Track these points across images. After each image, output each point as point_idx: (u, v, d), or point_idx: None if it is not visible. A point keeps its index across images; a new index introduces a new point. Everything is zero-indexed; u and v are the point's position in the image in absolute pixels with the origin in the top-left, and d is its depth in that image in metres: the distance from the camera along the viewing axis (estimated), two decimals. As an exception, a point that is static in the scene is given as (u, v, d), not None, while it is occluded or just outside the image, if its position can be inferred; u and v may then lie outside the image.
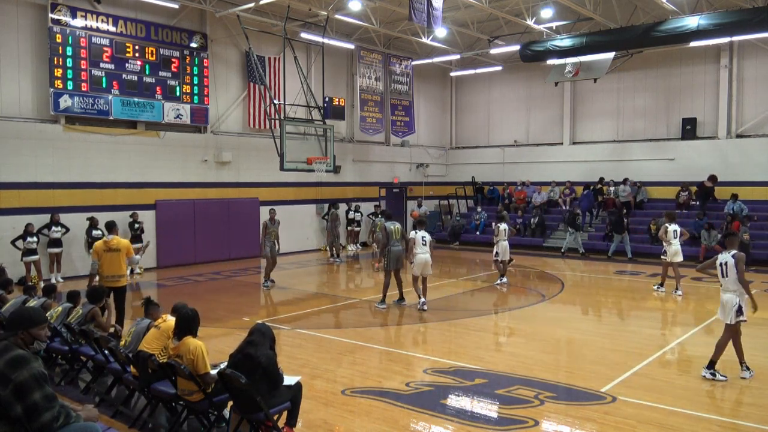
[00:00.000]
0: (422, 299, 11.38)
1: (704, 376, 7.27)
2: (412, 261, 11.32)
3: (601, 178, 21.57)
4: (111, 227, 9.24)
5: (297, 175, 18.65)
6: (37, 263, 14.24)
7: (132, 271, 16.09)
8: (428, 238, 11.45)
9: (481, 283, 14.77)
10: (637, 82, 21.90)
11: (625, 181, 20.83)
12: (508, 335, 10.01)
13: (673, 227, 13.11)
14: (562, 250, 19.63)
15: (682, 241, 13.32)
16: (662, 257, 13.34)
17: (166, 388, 5.75)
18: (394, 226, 11.67)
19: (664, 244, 13.23)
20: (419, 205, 22.25)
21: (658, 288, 13.42)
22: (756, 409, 6.41)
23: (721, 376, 7.22)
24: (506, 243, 14.15)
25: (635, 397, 6.70)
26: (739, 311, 7.17)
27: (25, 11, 14.73)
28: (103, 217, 15.12)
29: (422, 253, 11.23)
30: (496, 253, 14.14)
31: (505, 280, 14.41)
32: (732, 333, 7.31)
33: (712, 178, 19.51)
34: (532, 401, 6.61)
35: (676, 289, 13.08)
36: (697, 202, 19.76)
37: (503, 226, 14.20)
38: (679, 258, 13.10)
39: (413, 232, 11.56)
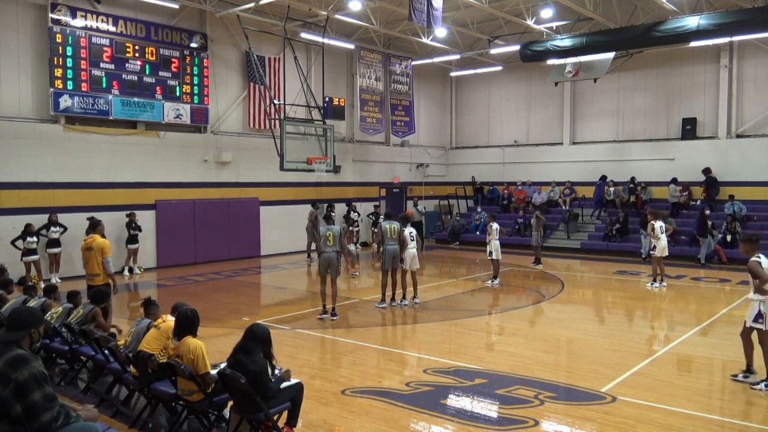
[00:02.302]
0: (415, 297, 12.01)
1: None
2: (402, 258, 11.78)
3: (633, 178, 20.88)
4: (93, 226, 9.26)
5: (297, 175, 18.65)
6: (36, 263, 14.23)
7: (132, 271, 16.14)
8: (415, 233, 11.98)
9: (481, 283, 14.77)
10: (637, 82, 21.91)
11: (674, 181, 20.08)
12: (508, 335, 10.01)
13: (659, 223, 13.85)
14: (644, 256, 18.07)
15: (668, 236, 14.03)
16: (651, 252, 14.04)
17: (166, 388, 5.74)
18: (390, 225, 11.75)
19: (653, 240, 13.85)
20: (415, 205, 22.24)
21: (652, 285, 13.84)
22: (756, 409, 6.42)
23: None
24: (498, 242, 14.38)
25: (635, 397, 6.70)
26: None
27: (25, 11, 14.73)
28: (103, 217, 15.13)
29: (412, 248, 11.77)
30: (490, 252, 14.34)
31: (496, 281, 14.49)
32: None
33: (707, 170, 19.76)
34: (532, 401, 6.61)
35: (662, 281, 13.86)
36: (697, 201, 19.78)
37: (495, 225, 14.44)
38: (666, 253, 13.97)
39: (404, 231, 11.88)
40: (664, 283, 13.82)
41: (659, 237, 13.66)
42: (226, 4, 17.06)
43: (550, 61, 20.39)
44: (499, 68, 23.88)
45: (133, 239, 15.97)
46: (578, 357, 8.63)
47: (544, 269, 16.90)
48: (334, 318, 10.67)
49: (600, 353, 8.63)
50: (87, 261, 8.99)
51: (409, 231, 11.92)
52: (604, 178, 21.45)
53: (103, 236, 9.22)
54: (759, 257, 7.02)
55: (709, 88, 20.39)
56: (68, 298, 7.95)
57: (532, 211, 17.90)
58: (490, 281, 14.53)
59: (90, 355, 7.10)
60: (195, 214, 17.86)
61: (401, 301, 11.91)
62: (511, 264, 17.87)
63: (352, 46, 21.23)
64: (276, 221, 19.86)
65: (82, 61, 15.28)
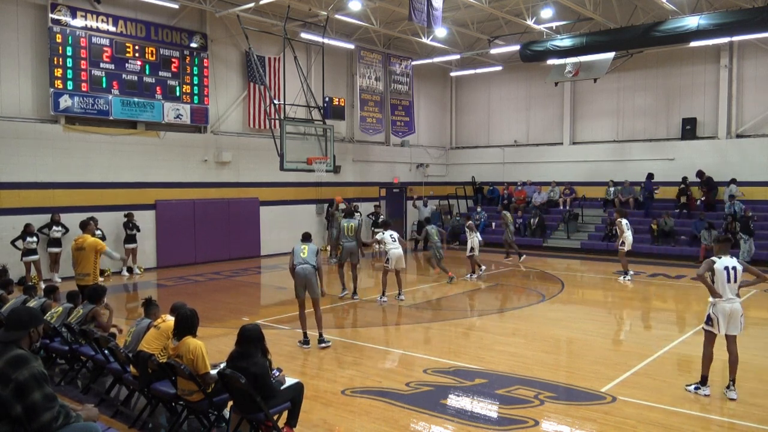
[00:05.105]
0: (400, 294, 12.41)
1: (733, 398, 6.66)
2: (363, 254, 12.63)
3: (685, 178, 19.95)
4: (83, 226, 9.30)
5: (297, 175, 18.65)
6: (36, 263, 14.24)
7: (131, 271, 16.14)
8: (396, 235, 12.42)
9: (481, 283, 14.76)
10: (637, 82, 21.90)
11: (733, 181, 18.98)
12: (508, 335, 9.99)
13: (625, 221, 15.03)
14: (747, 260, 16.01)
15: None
16: (621, 248, 14.85)
17: (166, 388, 5.75)
18: (348, 223, 12.50)
19: (622, 236, 14.76)
20: (425, 204, 22.17)
21: (624, 278, 14.86)
22: (756, 409, 6.41)
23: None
24: (479, 239, 15.24)
25: (635, 397, 6.71)
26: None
27: (25, 11, 14.72)
28: (103, 217, 15.18)
29: (395, 249, 12.13)
30: (471, 248, 15.05)
31: (483, 268, 15.46)
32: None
33: (700, 174, 19.68)
34: (532, 401, 6.61)
35: (626, 273, 14.95)
36: (698, 201, 19.72)
37: (472, 223, 15.45)
38: (630, 247, 15.14)
39: (381, 233, 12.57)
40: (629, 277, 14.88)
41: (625, 232, 14.74)
42: (226, 4, 17.06)
43: (550, 61, 20.39)
44: (499, 68, 23.88)
45: (130, 239, 15.96)
46: (578, 357, 8.63)
47: (543, 269, 16.90)
48: (324, 345, 8.84)
49: (600, 353, 8.64)
50: (78, 261, 9.02)
51: (390, 233, 12.39)
52: (651, 176, 20.53)
53: (93, 235, 9.28)
54: (718, 257, 6.81)
55: (709, 88, 20.38)
56: (68, 298, 7.94)
57: (500, 210, 19.62)
58: (477, 275, 15.23)
59: (90, 355, 7.10)
60: (195, 214, 17.85)
61: (398, 296, 12.31)
62: (511, 264, 17.88)
63: (352, 46, 21.22)
64: (276, 221, 19.87)
65: (82, 61, 15.28)
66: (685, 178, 20.11)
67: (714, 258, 6.83)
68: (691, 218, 19.04)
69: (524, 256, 18.05)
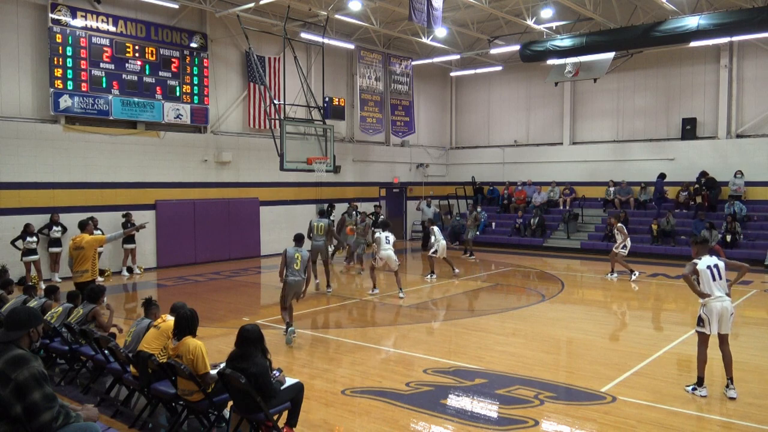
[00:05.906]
0: (400, 290, 12.78)
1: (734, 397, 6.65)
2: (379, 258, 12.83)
3: (698, 178, 19.80)
4: (82, 226, 9.37)
5: (297, 175, 18.66)
6: (36, 263, 14.24)
7: (131, 271, 16.14)
8: (392, 238, 12.86)
9: (481, 283, 14.77)
10: (637, 82, 21.91)
11: (738, 173, 19.09)
12: (508, 335, 10.00)
13: (623, 226, 15.49)
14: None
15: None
16: (621, 251, 15.08)
17: (166, 388, 5.75)
18: (318, 223, 13.38)
19: (622, 240, 15.00)
20: (428, 205, 22.19)
21: (611, 276, 15.21)
22: (756, 409, 6.41)
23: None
24: (444, 243, 15.31)
25: (635, 397, 6.71)
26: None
27: (25, 11, 14.72)
28: (103, 217, 15.18)
29: (387, 250, 12.67)
30: (435, 250, 15.09)
31: (434, 276, 15.35)
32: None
33: (703, 174, 19.71)
34: (532, 401, 6.61)
35: (613, 272, 15.36)
36: (701, 201, 19.67)
37: (437, 228, 15.57)
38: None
39: (378, 232, 13.11)
40: (616, 275, 15.23)
41: (627, 236, 15.11)
42: (226, 4, 17.06)
43: (550, 61, 20.39)
44: (499, 68, 23.89)
45: (129, 239, 15.93)
46: (578, 357, 8.63)
47: (543, 269, 16.91)
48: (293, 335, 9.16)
49: (600, 353, 8.64)
50: (75, 259, 9.08)
51: (386, 235, 12.77)
52: (663, 176, 20.34)
53: (91, 234, 9.37)
54: (699, 259, 6.86)
55: (709, 88, 20.39)
56: (68, 299, 7.94)
57: (472, 211, 20.34)
58: (429, 276, 15.36)
59: (90, 355, 7.10)
60: (195, 214, 17.86)
61: (399, 294, 12.64)
62: (511, 264, 17.90)
63: (352, 46, 21.23)
64: (276, 221, 19.87)
65: (82, 61, 15.28)
66: (699, 178, 19.99)
67: (695, 260, 6.91)
68: (693, 218, 19.04)
69: (474, 255, 19.45)
